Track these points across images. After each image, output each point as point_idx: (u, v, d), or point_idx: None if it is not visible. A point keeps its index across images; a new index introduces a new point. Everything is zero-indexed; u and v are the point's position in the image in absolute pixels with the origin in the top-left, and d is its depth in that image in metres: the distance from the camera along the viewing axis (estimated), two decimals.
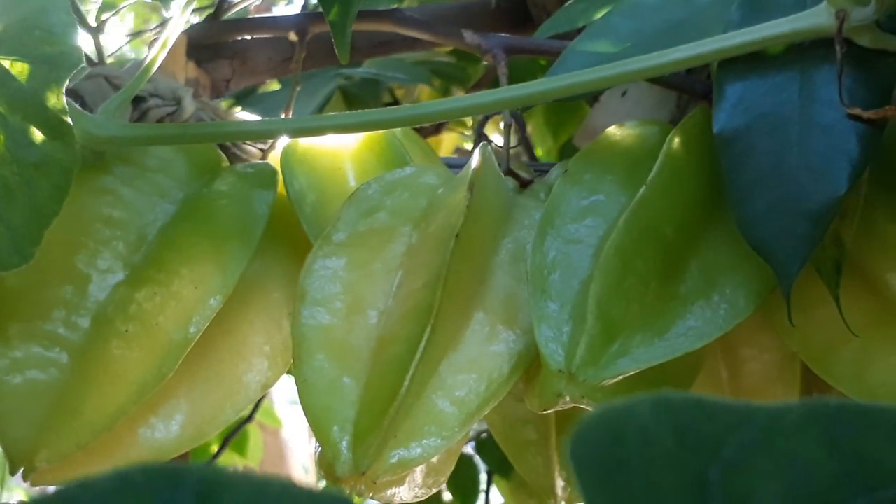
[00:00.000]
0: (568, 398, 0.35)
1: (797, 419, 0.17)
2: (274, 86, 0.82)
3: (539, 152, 1.03)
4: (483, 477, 1.11)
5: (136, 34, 1.09)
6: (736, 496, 0.16)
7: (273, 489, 0.15)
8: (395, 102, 0.87)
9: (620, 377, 0.36)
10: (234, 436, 0.93)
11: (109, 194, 0.43)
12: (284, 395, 1.63)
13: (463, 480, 1.09)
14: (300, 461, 2.15)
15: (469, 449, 1.10)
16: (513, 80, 0.43)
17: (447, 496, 1.10)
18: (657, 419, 0.16)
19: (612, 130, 0.43)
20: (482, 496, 1.11)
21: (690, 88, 0.45)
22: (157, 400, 0.41)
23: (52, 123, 0.35)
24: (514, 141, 0.48)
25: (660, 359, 0.36)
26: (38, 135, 0.35)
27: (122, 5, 0.59)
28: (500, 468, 1.05)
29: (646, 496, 0.15)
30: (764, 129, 0.36)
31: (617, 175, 0.40)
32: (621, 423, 0.16)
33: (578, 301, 0.37)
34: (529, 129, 1.04)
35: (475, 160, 0.40)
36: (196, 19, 0.60)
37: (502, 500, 1.15)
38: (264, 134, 0.44)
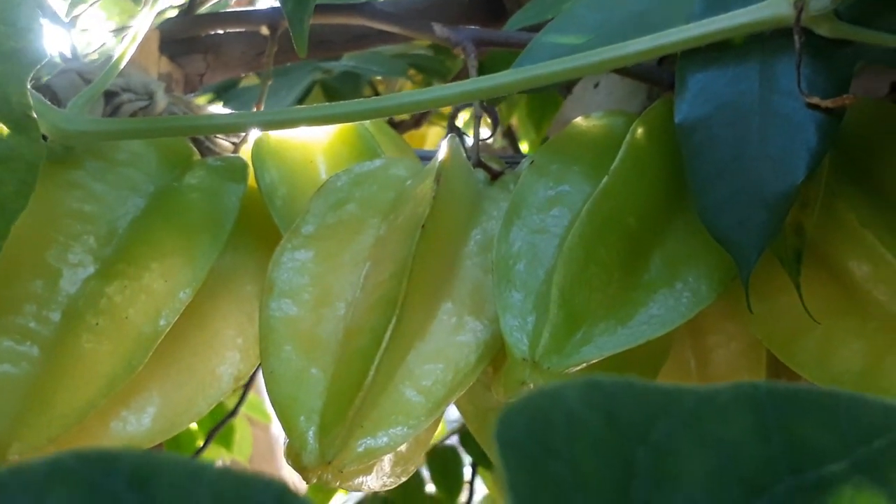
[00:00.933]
0: (532, 386, 0.35)
1: (726, 402, 0.17)
2: (255, 81, 0.82)
3: (523, 143, 1.03)
4: (467, 469, 1.11)
5: (119, 30, 1.09)
6: (663, 479, 0.16)
7: (207, 475, 0.15)
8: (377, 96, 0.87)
9: (584, 365, 0.36)
10: (217, 430, 0.94)
11: (80, 189, 0.43)
12: None
13: (447, 473, 1.09)
14: None
15: (453, 441, 1.11)
16: (490, 73, 0.43)
17: (431, 488, 1.10)
18: (586, 403, 0.16)
19: (579, 121, 0.43)
20: (466, 488, 1.11)
21: (658, 79, 0.45)
22: (128, 393, 0.41)
23: (15, 118, 0.35)
24: (487, 133, 0.48)
25: (623, 346, 0.36)
26: (2, 129, 0.35)
27: (93, 0, 0.59)
28: (485, 460, 1.05)
29: (571, 480, 0.15)
30: (724, 119, 0.36)
31: (583, 165, 0.40)
32: (549, 406, 0.16)
33: (543, 290, 0.37)
34: (514, 122, 1.05)
35: (442, 152, 0.40)
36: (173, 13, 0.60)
37: (486, 492, 1.16)
38: (235, 127, 0.44)
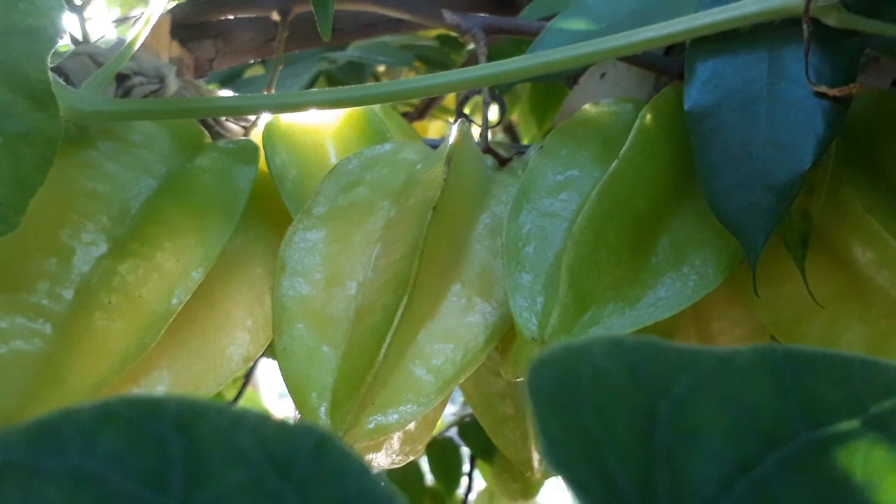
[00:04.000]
0: None
1: (745, 362, 0.18)
2: (259, 70, 0.83)
3: (525, 140, 1.03)
4: (466, 461, 1.11)
5: (122, 20, 1.09)
6: (684, 430, 0.16)
7: (249, 420, 0.16)
8: None
9: None
10: None
11: (93, 168, 0.43)
12: (274, 388, 1.63)
13: (446, 464, 1.10)
14: None
15: (452, 433, 1.11)
16: None
17: (430, 479, 1.10)
18: (611, 358, 0.17)
19: (588, 108, 0.43)
20: (465, 480, 1.12)
21: (666, 68, 0.46)
22: (139, 371, 0.42)
23: (35, 94, 0.35)
24: (496, 119, 0.49)
25: (630, 328, 0.36)
26: (22, 106, 0.35)
27: None
28: (483, 452, 1.06)
29: (596, 425, 0.15)
30: (733, 106, 0.37)
31: (591, 151, 0.41)
32: (576, 360, 0.16)
33: (552, 272, 0.37)
34: (514, 117, 1.05)
35: (453, 136, 0.41)
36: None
37: (484, 484, 1.16)
38: (246, 109, 0.44)
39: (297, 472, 0.15)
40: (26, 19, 0.36)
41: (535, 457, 0.47)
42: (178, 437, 0.15)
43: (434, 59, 0.82)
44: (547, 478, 0.48)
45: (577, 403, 0.16)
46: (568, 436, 0.15)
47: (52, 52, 0.37)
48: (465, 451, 1.10)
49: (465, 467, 1.11)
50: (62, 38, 0.36)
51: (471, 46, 0.57)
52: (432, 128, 1.15)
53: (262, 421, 0.16)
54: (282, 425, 0.16)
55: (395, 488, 0.16)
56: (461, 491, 1.11)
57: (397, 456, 0.40)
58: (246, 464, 0.15)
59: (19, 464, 0.15)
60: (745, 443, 0.16)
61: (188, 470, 0.15)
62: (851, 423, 0.17)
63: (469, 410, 1.10)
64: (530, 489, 1.06)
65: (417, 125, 0.98)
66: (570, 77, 0.59)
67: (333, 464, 0.15)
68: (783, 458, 0.16)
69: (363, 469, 0.16)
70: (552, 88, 0.93)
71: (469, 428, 1.06)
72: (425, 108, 0.83)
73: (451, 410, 1.20)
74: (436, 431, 1.09)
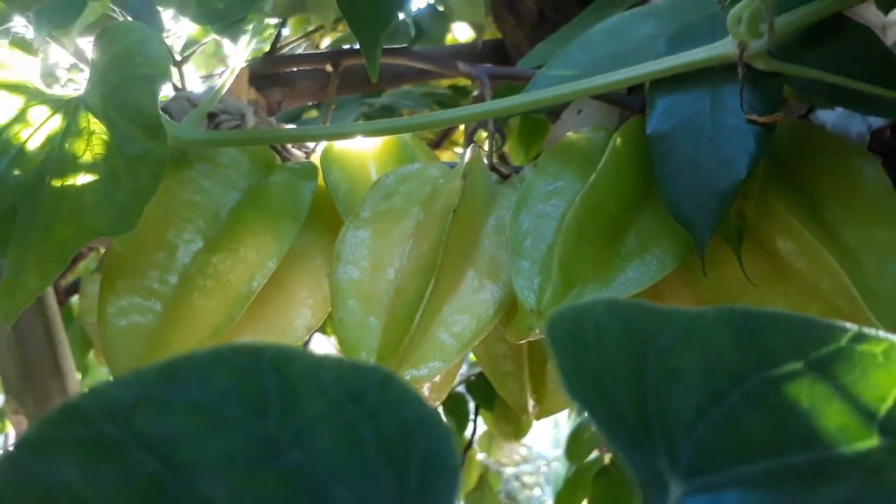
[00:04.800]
0: (538, 330, 0.36)
1: (711, 319, 0.17)
2: (313, 113, 0.82)
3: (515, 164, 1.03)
4: (472, 410, 1.11)
5: (206, 76, 1.09)
6: (668, 370, 0.16)
7: (328, 362, 0.16)
8: None
9: None
10: None
11: (192, 184, 0.43)
12: None
13: (457, 412, 1.10)
14: None
15: (461, 389, 1.11)
16: None
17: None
18: (608, 313, 0.16)
19: (570, 135, 0.43)
20: (471, 425, 1.12)
21: (629, 104, 0.46)
22: (228, 338, 0.42)
23: (149, 126, 0.35)
24: (496, 147, 0.48)
25: None
26: (138, 134, 0.35)
27: (203, 41, 0.59)
28: (485, 403, 1.06)
29: (600, 364, 0.15)
30: (684, 131, 0.36)
31: (574, 167, 0.40)
32: (582, 315, 0.16)
33: (545, 260, 0.37)
34: (506, 148, 1.05)
35: (467, 156, 0.41)
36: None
37: (485, 427, 1.16)
38: (308, 138, 0.44)
39: (367, 402, 0.15)
40: (142, 68, 0.36)
41: (530, 402, 0.47)
42: (274, 376, 0.15)
43: (447, 103, 0.81)
44: (539, 419, 0.48)
45: (585, 348, 0.15)
46: (579, 372, 0.15)
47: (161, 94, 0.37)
48: (471, 403, 1.10)
49: (471, 415, 1.11)
50: (168, 80, 0.36)
51: (475, 93, 0.57)
52: (444, 156, 1.15)
53: (339, 362, 0.15)
54: (354, 365, 0.15)
55: (442, 417, 0.15)
56: (468, 433, 1.10)
57: (426, 401, 0.40)
58: (327, 396, 0.15)
59: (151, 396, 0.14)
60: (714, 380, 0.16)
61: (282, 401, 0.15)
62: (796, 365, 0.17)
63: (475, 371, 1.10)
64: (520, 431, 1.06)
65: (436, 153, 0.98)
66: (552, 112, 0.59)
67: (396, 396, 0.15)
68: (745, 392, 0.16)
69: (420, 401, 0.15)
70: (536, 124, 0.93)
71: (474, 384, 1.06)
72: (440, 140, 0.83)
73: (461, 371, 1.20)
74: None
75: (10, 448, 0.14)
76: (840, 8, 0.37)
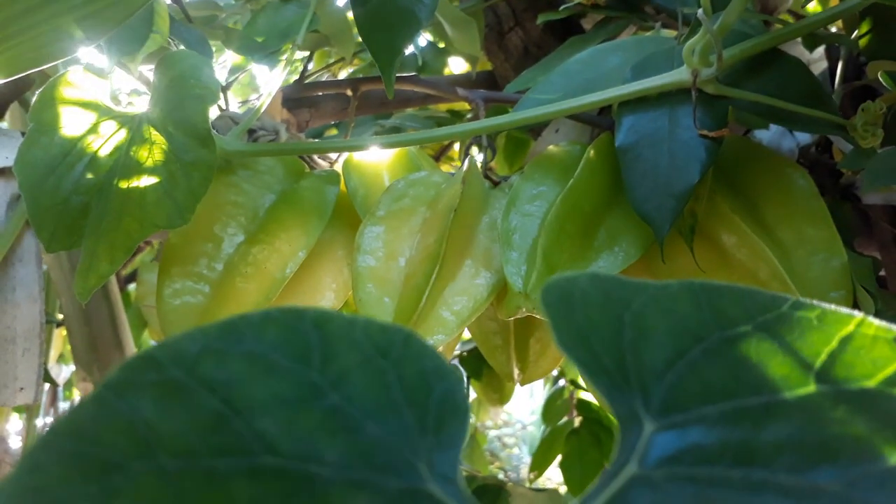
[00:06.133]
0: (524, 309, 0.36)
1: (675, 290, 0.17)
2: (334, 131, 0.82)
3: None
4: (464, 380, 1.11)
5: (243, 102, 1.09)
6: (641, 329, 0.16)
7: (360, 322, 0.16)
8: None
9: None
10: None
11: (235, 187, 0.43)
12: None
13: None
14: None
15: (455, 362, 1.11)
16: None
17: None
18: (591, 284, 0.16)
19: (552, 148, 0.43)
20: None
21: (600, 123, 0.46)
22: None
23: (200, 137, 0.35)
24: (488, 158, 0.48)
25: None
26: (192, 144, 0.35)
27: (247, 67, 0.59)
28: (475, 373, 1.05)
29: (586, 325, 0.15)
30: (647, 143, 0.36)
31: (554, 174, 0.40)
32: (569, 285, 0.16)
33: (531, 251, 0.37)
34: (493, 163, 1.05)
35: (465, 166, 0.41)
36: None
37: (475, 395, 1.15)
38: (331, 149, 0.44)
39: (393, 354, 0.15)
40: (195, 90, 0.36)
41: (515, 371, 0.47)
42: (315, 332, 0.15)
43: (446, 124, 0.81)
44: (523, 384, 0.48)
45: (573, 311, 0.15)
46: (569, 329, 0.15)
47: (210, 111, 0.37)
48: (464, 374, 1.10)
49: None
50: (217, 101, 0.36)
51: (469, 115, 0.57)
52: (443, 169, 1.14)
53: (370, 323, 0.15)
54: (382, 325, 0.15)
55: (455, 367, 0.15)
56: None
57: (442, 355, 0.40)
58: (359, 349, 0.15)
59: (213, 348, 0.14)
60: (679, 339, 0.16)
61: (322, 353, 0.15)
62: (746, 327, 0.17)
63: (467, 347, 1.10)
64: (504, 398, 1.06)
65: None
66: (534, 130, 0.59)
67: (417, 350, 0.15)
68: (705, 349, 0.16)
69: (436, 354, 0.15)
70: (518, 143, 0.92)
71: (466, 359, 1.06)
72: (439, 155, 0.83)
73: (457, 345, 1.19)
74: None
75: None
76: (775, 43, 0.37)
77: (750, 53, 0.37)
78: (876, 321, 0.17)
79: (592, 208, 0.38)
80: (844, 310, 0.17)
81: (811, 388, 0.15)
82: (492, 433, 2.69)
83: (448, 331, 0.37)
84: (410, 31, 0.40)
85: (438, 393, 0.14)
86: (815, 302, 0.17)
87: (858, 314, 0.17)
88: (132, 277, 1.04)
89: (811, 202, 0.38)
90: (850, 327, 0.16)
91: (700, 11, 0.33)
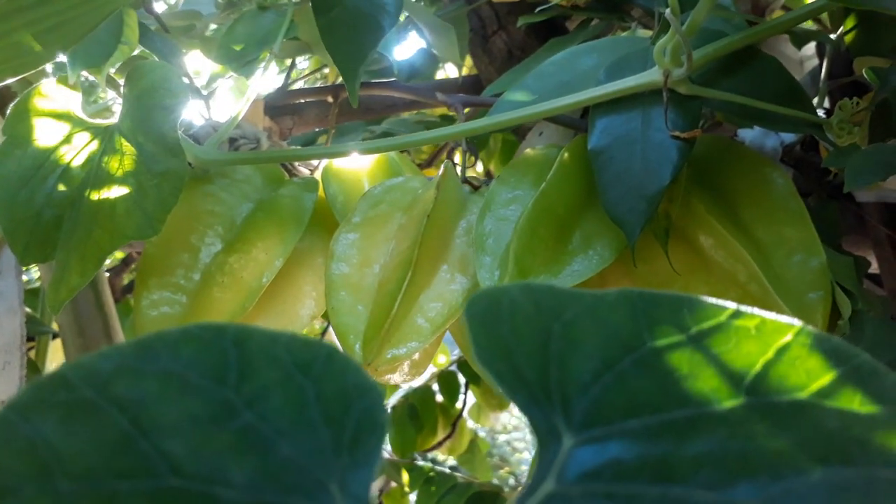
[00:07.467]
0: None
1: (612, 299, 0.17)
2: (324, 138, 0.82)
3: None
4: (462, 386, 1.11)
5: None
6: (569, 340, 0.16)
7: (282, 338, 0.15)
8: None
9: None
10: None
11: (212, 196, 0.43)
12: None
13: (450, 388, 1.09)
14: None
15: (454, 368, 1.11)
16: None
17: (439, 398, 1.10)
18: (523, 294, 0.16)
19: (528, 151, 0.42)
20: (462, 398, 1.11)
21: (579, 126, 0.45)
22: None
23: (169, 147, 0.35)
24: (472, 161, 0.48)
25: None
26: (161, 154, 0.35)
27: (226, 76, 0.59)
28: (474, 379, 1.05)
29: (511, 337, 0.15)
30: (619, 145, 0.36)
31: (529, 178, 0.40)
32: (499, 295, 0.16)
33: (504, 256, 0.37)
34: (491, 166, 1.05)
35: (441, 171, 0.40)
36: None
37: (475, 400, 1.15)
38: (308, 156, 0.44)
39: (314, 370, 0.15)
40: (164, 99, 0.36)
41: None
42: (234, 349, 0.15)
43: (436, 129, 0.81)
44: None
45: (499, 323, 0.15)
46: (491, 344, 0.14)
47: (180, 120, 0.37)
48: (462, 379, 1.09)
49: (462, 390, 1.10)
50: (185, 107, 0.36)
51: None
52: (434, 174, 1.14)
53: (293, 338, 0.15)
54: (306, 340, 0.15)
55: (377, 383, 0.15)
56: (459, 404, 1.10)
57: (406, 376, 0.40)
58: (279, 366, 0.15)
59: (127, 366, 0.14)
60: (610, 349, 0.16)
61: (240, 370, 0.14)
62: (680, 338, 0.16)
63: None
64: (504, 403, 1.05)
65: (427, 171, 0.97)
66: (519, 133, 0.59)
67: (339, 366, 0.15)
68: (636, 359, 0.16)
69: (359, 370, 0.15)
70: (513, 146, 0.92)
71: (465, 364, 1.06)
72: (432, 158, 0.83)
73: (456, 351, 1.19)
74: (443, 366, 1.09)
75: None
76: (749, 42, 0.37)
77: (723, 53, 0.36)
78: (815, 330, 0.16)
79: (566, 211, 0.38)
80: (785, 318, 0.17)
81: (739, 400, 0.15)
82: (501, 437, 2.69)
83: (422, 337, 0.36)
84: (374, 39, 0.39)
85: (357, 410, 0.14)
86: (755, 310, 0.17)
87: (798, 323, 0.16)
88: (130, 288, 1.04)
89: (789, 202, 0.37)
90: (789, 337, 0.16)
91: (668, 11, 0.33)
